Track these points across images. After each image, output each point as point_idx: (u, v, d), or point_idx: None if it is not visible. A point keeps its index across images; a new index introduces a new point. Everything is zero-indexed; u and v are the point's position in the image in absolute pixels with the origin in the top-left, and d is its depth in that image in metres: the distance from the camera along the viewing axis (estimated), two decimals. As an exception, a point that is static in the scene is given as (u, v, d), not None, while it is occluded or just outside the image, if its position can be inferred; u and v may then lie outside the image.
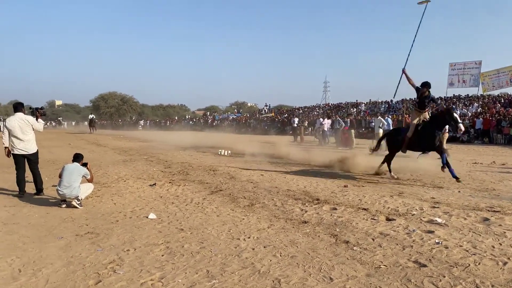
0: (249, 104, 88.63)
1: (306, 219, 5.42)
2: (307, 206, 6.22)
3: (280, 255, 3.99)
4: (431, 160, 13.28)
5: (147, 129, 54.52)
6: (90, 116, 37.25)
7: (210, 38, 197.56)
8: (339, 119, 20.80)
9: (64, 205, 6.19)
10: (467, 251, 4.09)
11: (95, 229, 5.00)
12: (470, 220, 5.27)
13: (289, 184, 8.23)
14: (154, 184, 8.17)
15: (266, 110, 52.73)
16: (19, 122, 6.87)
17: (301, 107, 47.56)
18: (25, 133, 6.92)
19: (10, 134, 6.87)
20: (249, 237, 4.61)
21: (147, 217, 5.54)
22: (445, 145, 14.11)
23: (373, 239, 4.51)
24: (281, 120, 40.98)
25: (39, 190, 7.16)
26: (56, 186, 6.48)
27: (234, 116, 55.19)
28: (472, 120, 23.71)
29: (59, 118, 65.83)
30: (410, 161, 10.53)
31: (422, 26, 10.67)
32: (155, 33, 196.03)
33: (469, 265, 3.69)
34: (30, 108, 7.50)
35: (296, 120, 26.94)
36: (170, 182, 8.40)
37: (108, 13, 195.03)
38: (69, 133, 37.16)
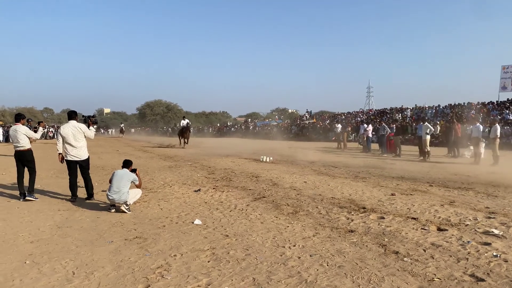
0: (290, 111, 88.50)
1: (352, 228, 5.29)
2: (353, 214, 6.07)
3: (327, 265, 3.90)
4: (485, 167, 12.67)
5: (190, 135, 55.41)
6: (184, 122, 24.49)
7: (249, 45, 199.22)
8: (384, 125, 20.26)
9: (113, 210, 6.39)
10: (529, 265, 3.82)
11: (143, 233, 5.11)
12: (531, 232, 4.93)
13: (333, 192, 8.08)
14: (199, 190, 8.28)
15: (308, 116, 52.37)
16: (72, 129, 7.18)
17: (344, 113, 46.87)
18: (78, 140, 7.23)
19: (64, 141, 7.20)
20: (294, 245, 4.55)
21: (192, 223, 5.61)
22: (498, 152, 13.46)
23: (424, 250, 4.32)
24: (323, 126, 40.54)
25: (90, 195, 7.44)
26: (105, 191, 6.71)
27: (275, 123, 55.20)
28: (527, 126, 22.38)
29: (121, 125, 56.83)
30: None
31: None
32: (197, 42, 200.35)
33: (533, 281, 3.44)
34: (83, 116, 7.85)
35: (340, 126, 26.45)
36: (214, 188, 8.49)
37: (151, 26, 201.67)
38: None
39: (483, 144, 14.90)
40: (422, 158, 15.89)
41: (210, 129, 61.51)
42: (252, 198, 7.48)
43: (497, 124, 14.41)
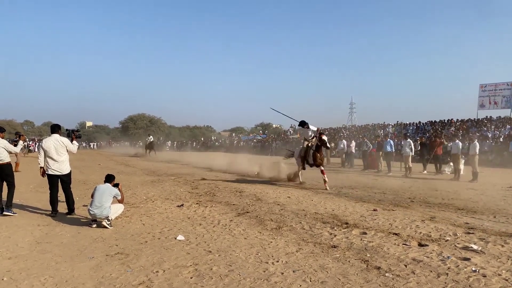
0: (274, 125, 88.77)
1: (335, 243, 5.32)
2: (336, 230, 6.11)
3: (310, 280, 3.91)
4: (464, 183, 12.92)
5: (173, 150, 54.98)
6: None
7: (234, 60, 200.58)
8: (367, 141, 20.54)
9: (94, 225, 6.30)
10: (506, 280, 3.90)
11: (124, 249, 5.05)
12: (508, 247, 5.05)
13: (316, 207, 8.12)
14: (182, 205, 8.23)
15: (292, 132, 52.66)
16: (55, 143, 7.10)
17: (327, 128, 47.26)
18: (60, 154, 7.14)
19: (46, 154, 7.11)
20: (277, 261, 4.55)
21: (175, 238, 5.57)
22: (477, 169, 13.74)
23: (405, 265, 4.38)
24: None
25: (71, 210, 7.33)
26: (87, 206, 6.62)
27: (259, 138, 55.31)
28: (505, 143, 22.94)
29: (149, 138, 56.01)
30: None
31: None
32: (181, 55, 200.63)
33: (510, 295, 3.52)
34: (66, 130, 7.76)
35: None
36: (197, 203, 8.45)
37: (134, 38, 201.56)
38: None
39: (463, 161, 15.22)
40: (389, 173, 16.46)
41: (194, 143, 61.08)
42: (235, 213, 7.46)
43: (476, 141, 14.75)
